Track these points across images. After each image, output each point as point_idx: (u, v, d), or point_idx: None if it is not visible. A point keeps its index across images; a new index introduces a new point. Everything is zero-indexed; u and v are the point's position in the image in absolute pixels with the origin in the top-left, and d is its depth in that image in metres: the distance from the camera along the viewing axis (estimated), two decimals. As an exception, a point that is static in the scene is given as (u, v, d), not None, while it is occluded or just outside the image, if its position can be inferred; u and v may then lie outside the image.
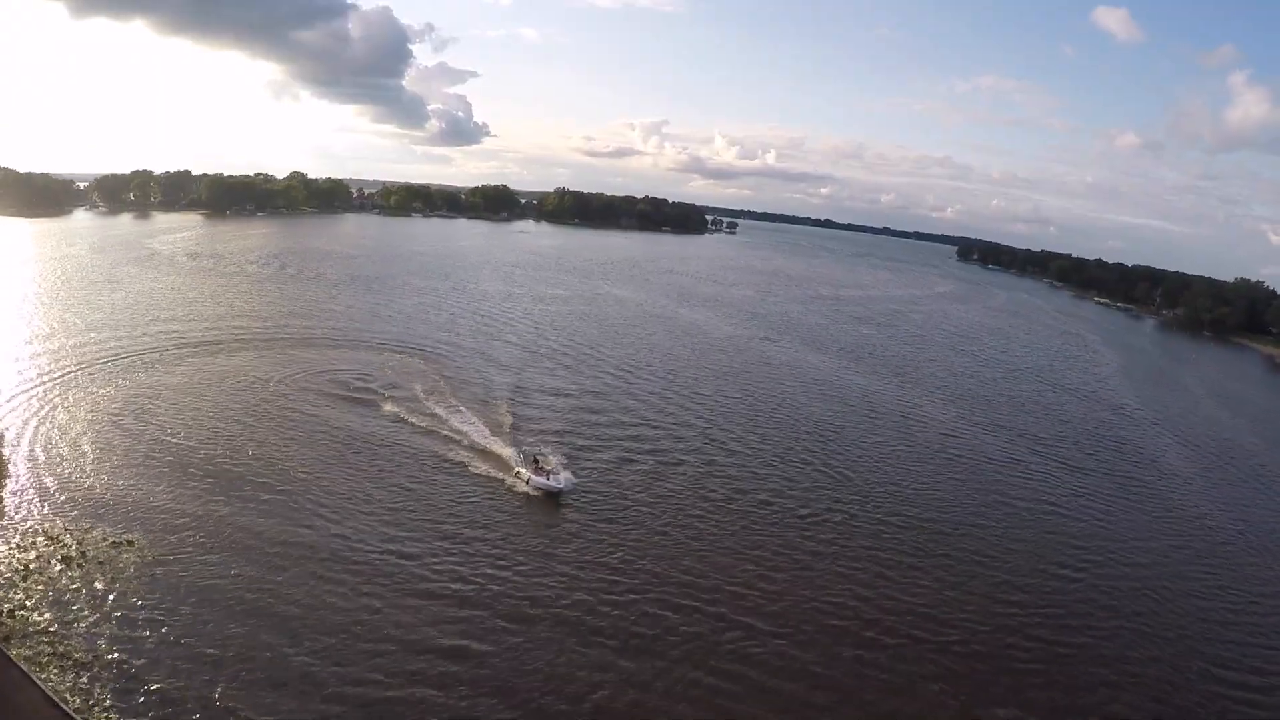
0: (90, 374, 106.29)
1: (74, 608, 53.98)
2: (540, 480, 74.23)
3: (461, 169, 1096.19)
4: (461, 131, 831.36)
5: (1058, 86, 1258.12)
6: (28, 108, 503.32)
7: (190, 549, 63.62)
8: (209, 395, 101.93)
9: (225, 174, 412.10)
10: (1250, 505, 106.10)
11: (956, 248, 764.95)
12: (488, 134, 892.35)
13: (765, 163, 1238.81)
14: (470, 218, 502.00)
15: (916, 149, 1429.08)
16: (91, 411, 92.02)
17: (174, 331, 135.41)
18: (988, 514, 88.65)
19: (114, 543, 63.92)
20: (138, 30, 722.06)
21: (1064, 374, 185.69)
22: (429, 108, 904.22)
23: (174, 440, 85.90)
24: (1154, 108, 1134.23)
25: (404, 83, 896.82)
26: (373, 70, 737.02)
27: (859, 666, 54.77)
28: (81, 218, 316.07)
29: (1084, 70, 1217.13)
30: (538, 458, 78.57)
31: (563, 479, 75.37)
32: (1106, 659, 59.82)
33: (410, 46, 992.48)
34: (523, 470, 76.18)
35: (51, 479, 73.62)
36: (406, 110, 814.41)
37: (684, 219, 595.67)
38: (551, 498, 73.29)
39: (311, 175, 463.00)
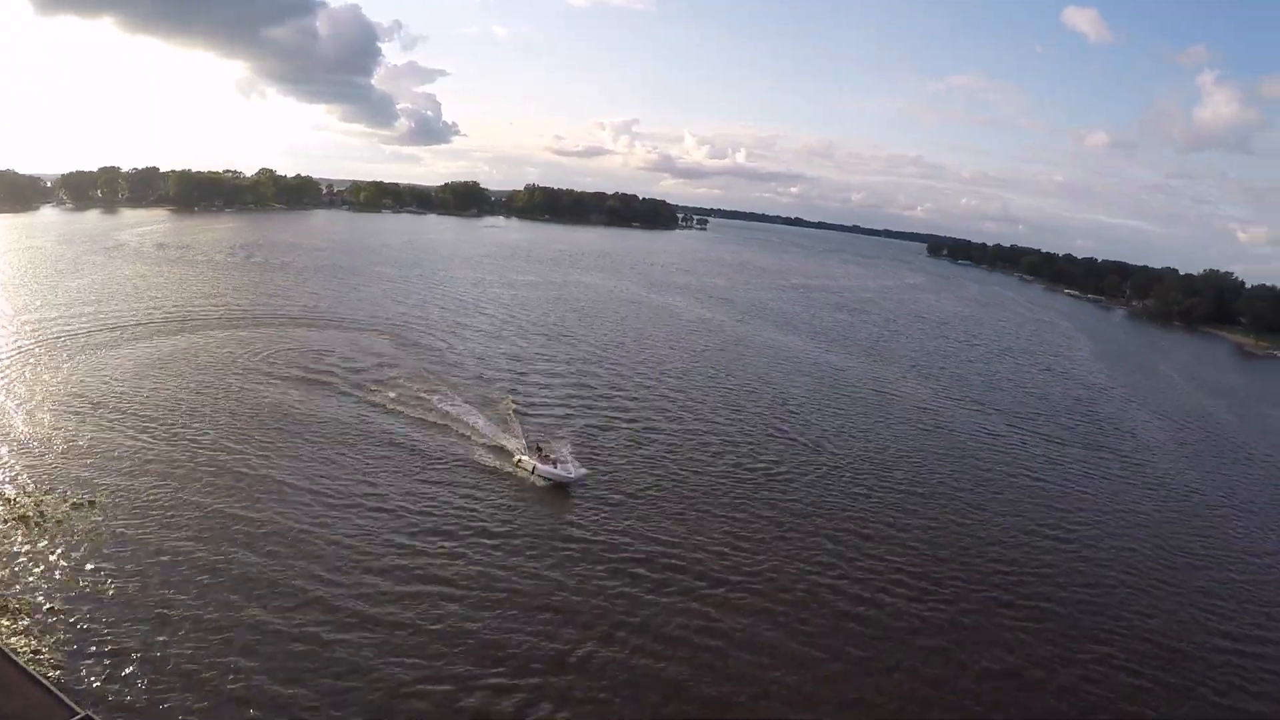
0: (51, 351, 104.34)
1: (26, 564, 52.96)
2: (549, 470, 71.34)
3: (431, 168, 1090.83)
4: (431, 131, 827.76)
5: (1030, 86, 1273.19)
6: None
7: (152, 512, 62.26)
8: (172, 370, 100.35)
9: (193, 169, 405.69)
10: (1231, 472, 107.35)
11: (926, 245, 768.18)
12: (457, 133, 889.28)
13: (735, 162, 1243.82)
14: (440, 214, 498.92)
15: (889, 148, 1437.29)
16: (52, 385, 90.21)
17: (138, 311, 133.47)
18: (978, 483, 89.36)
19: (74, 504, 62.72)
20: (105, 28, 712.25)
21: (1039, 356, 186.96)
22: (398, 106, 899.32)
23: (137, 411, 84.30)
24: (1126, 108, 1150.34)
25: (373, 81, 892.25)
26: (341, 68, 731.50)
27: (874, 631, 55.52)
28: (48, 214, 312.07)
29: (1056, 70, 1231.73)
30: (540, 445, 75.97)
31: (573, 469, 72.16)
32: (1097, 611, 60.59)
33: (379, 45, 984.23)
34: (526, 458, 73.68)
35: (9, 448, 71.99)
36: (375, 109, 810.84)
37: (654, 215, 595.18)
38: (560, 488, 70.64)
39: (280, 173, 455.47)
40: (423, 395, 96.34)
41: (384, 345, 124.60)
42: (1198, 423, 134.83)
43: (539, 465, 72.01)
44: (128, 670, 42.94)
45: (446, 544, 59.93)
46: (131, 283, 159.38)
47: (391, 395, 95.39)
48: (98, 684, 41.39)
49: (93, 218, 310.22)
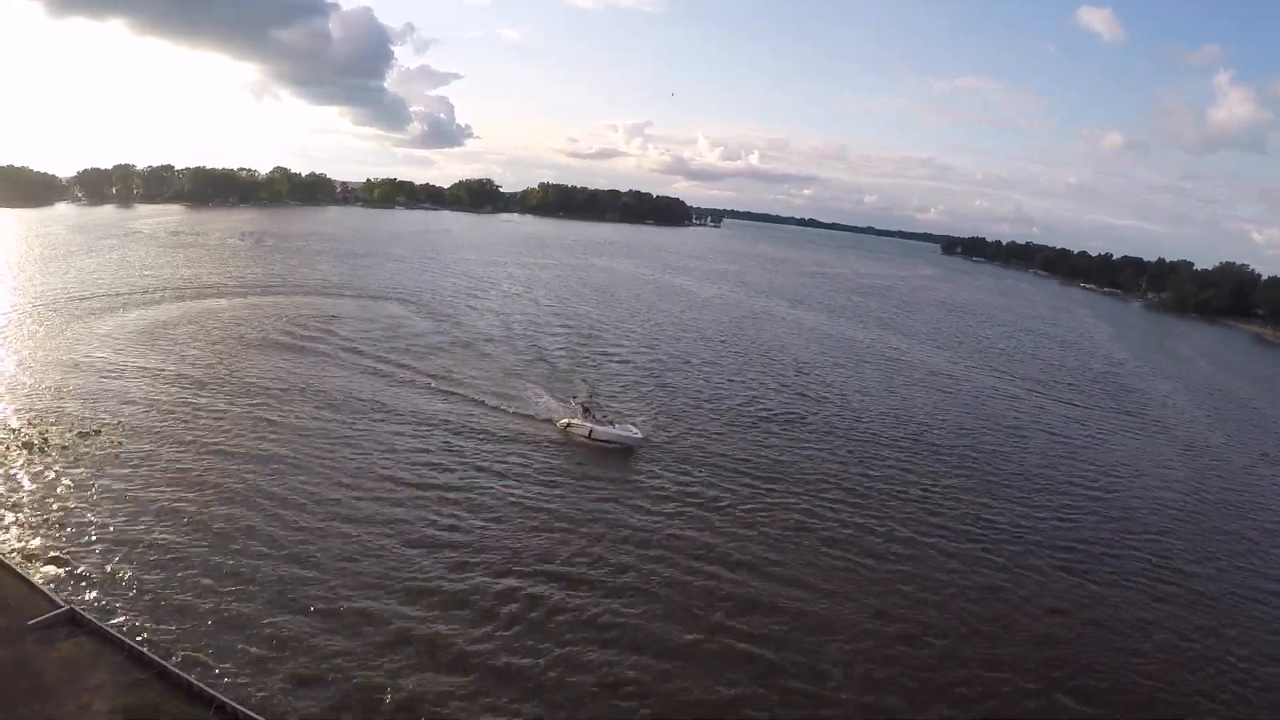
0: (62, 314, 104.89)
1: (25, 480, 52.69)
2: (611, 431, 67.66)
3: (444, 171, 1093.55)
4: (444, 133, 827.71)
5: (1040, 87, 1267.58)
6: (7, 105, 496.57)
7: (158, 441, 62.10)
8: (183, 329, 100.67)
9: (208, 166, 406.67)
10: (1260, 437, 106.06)
11: (940, 245, 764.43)
12: (470, 136, 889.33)
13: (749, 164, 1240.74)
14: (454, 210, 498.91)
15: (899, 150, 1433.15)
16: (62, 341, 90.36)
17: (151, 282, 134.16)
18: (1011, 439, 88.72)
19: (80, 433, 62.64)
20: (116, 30, 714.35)
21: (1058, 334, 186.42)
22: (411, 110, 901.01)
23: (148, 362, 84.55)
24: (1138, 108, 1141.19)
25: (385, 84, 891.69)
26: (354, 71, 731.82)
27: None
28: (63, 208, 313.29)
29: (1067, 70, 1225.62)
30: (586, 406, 72.87)
31: (635, 430, 69.12)
32: (1135, 561, 58.54)
33: (392, 48, 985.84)
34: (577, 421, 69.47)
35: (17, 393, 71.77)
36: (388, 112, 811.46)
37: (667, 212, 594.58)
38: (622, 451, 67.02)
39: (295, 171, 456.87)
40: (446, 359, 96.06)
41: (399, 310, 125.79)
42: (1221, 395, 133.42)
43: (596, 428, 67.64)
44: (114, 570, 42.78)
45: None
46: (145, 260, 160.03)
47: (410, 359, 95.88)
48: (84, 583, 41.51)
49: (107, 211, 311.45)
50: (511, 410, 76.58)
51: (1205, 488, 76.35)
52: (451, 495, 55.95)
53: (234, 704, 32.17)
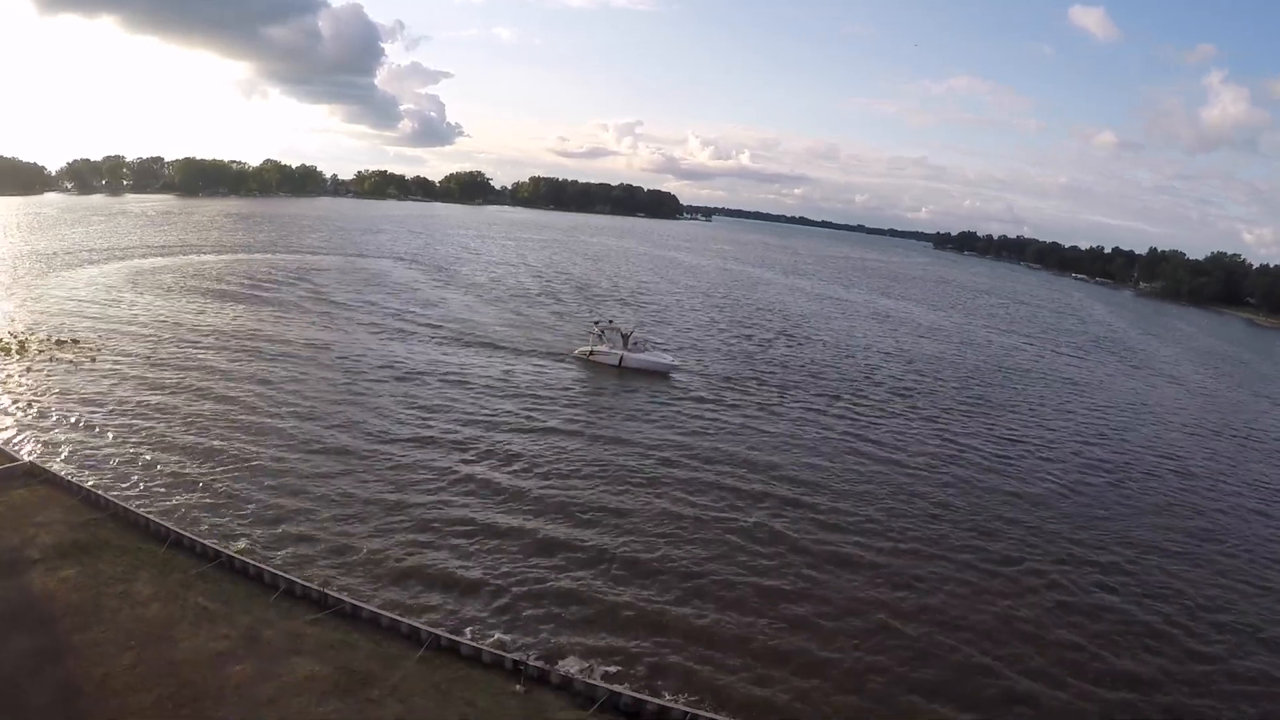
0: (55, 262, 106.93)
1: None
2: (644, 358, 67.06)
3: (435, 170, 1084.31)
4: (434, 132, 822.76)
5: (1033, 87, 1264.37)
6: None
7: (135, 352, 61.52)
8: (169, 276, 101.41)
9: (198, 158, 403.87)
10: (1260, 386, 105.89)
11: (931, 241, 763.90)
12: (461, 135, 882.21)
13: (739, 163, 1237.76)
14: (445, 203, 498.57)
15: (891, 150, 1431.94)
16: (51, 280, 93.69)
17: (139, 243, 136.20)
18: (1015, 378, 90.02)
19: (57, 341, 62.70)
20: (107, 27, 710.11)
21: (1053, 306, 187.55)
22: (401, 108, 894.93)
23: (134, 298, 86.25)
24: (1130, 108, 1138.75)
25: (376, 82, 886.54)
26: (344, 68, 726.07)
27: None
28: (52, 197, 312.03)
29: (1060, 71, 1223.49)
30: (603, 329, 70.73)
31: (669, 356, 69.44)
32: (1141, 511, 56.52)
33: (382, 45, 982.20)
34: (603, 349, 68.06)
35: (3, 313, 72.05)
36: (379, 110, 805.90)
37: (658, 205, 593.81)
38: (656, 376, 66.03)
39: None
40: (446, 302, 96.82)
41: (390, 265, 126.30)
42: (1224, 358, 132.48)
43: (627, 354, 66.59)
44: (79, 440, 42.24)
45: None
46: (133, 231, 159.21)
47: (406, 303, 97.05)
48: (47, 446, 41.01)
49: (96, 199, 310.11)
50: (521, 340, 76.23)
51: (1209, 428, 75.35)
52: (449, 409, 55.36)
53: (190, 535, 30.82)
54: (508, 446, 46.16)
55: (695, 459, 46.83)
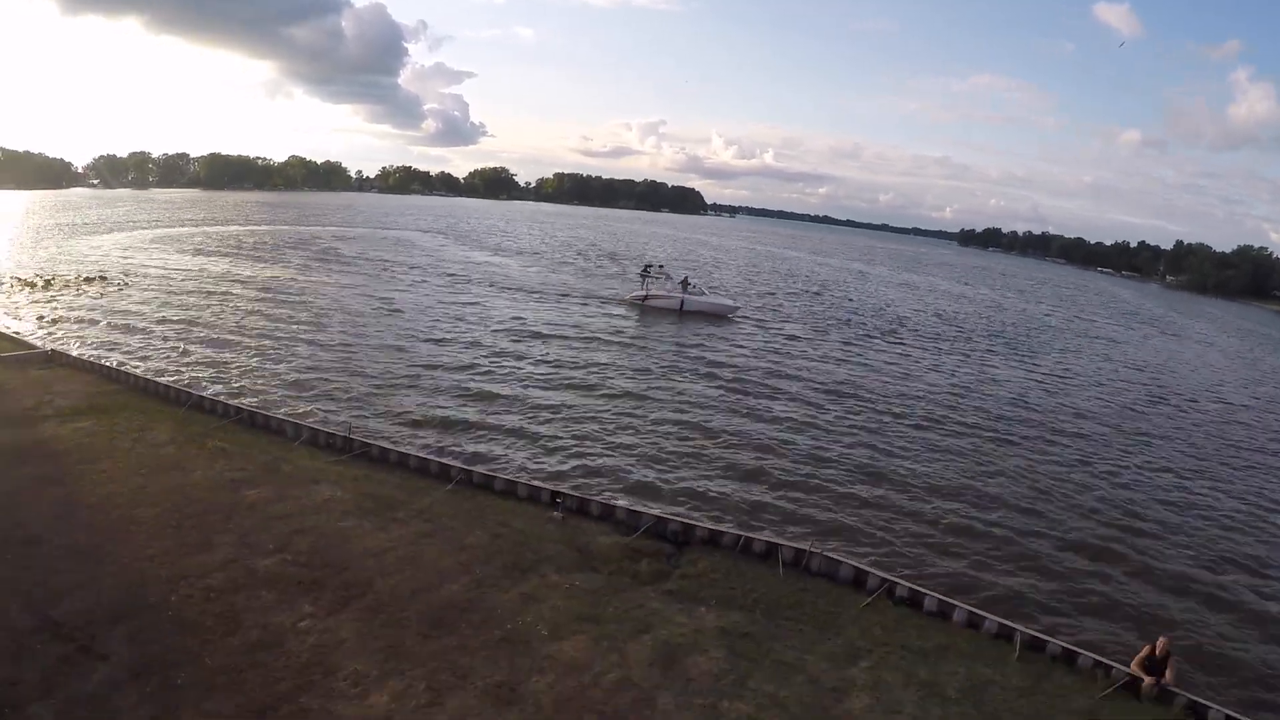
0: (81, 230, 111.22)
1: (25, 306, 51.11)
2: (705, 300, 66.32)
3: (458, 169, 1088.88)
4: (458, 132, 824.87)
5: (1057, 84, 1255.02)
6: (24, 100, 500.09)
7: (166, 289, 61.01)
8: (194, 240, 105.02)
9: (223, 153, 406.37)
10: None
11: (957, 239, 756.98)
12: (484, 134, 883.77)
13: (763, 162, 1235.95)
14: (469, 198, 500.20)
15: (914, 148, 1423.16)
16: (78, 242, 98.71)
17: (166, 217, 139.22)
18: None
19: (85, 278, 62.47)
20: (131, 28, 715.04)
21: (1081, 290, 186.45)
22: (425, 107, 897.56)
23: (161, 253, 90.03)
24: (1155, 105, 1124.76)
25: (399, 81, 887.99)
26: (367, 68, 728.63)
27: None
28: (79, 191, 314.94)
29: (1084, 68, 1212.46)
30: (654, 273, 69.54)
31: (729, 299, 69.71)
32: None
33: (405, 45, 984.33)
34: (657, 293, 66.48)
35: (34, 261, 72.86)
36: (402, 109, 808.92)
37: (682, 200, 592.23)
38: (718, 317, 65.15)
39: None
40: (484, 265, 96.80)
41: (418, 235, 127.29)
42: (1253, 336, 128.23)
43: (688, 297, 65.37)
44: (98, 337, 43.15)
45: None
46: (160, 212, 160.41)
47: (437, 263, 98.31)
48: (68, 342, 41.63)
49: (123, 193, 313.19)
50: (565, 287, 75.74)
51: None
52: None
53: (211, 398, 30.11)
54: (550, 353, 46.37)
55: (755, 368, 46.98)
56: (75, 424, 26.11)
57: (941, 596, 19.22)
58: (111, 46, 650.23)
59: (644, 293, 66.36)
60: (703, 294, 67.09)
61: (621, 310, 65.00)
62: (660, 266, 73.04)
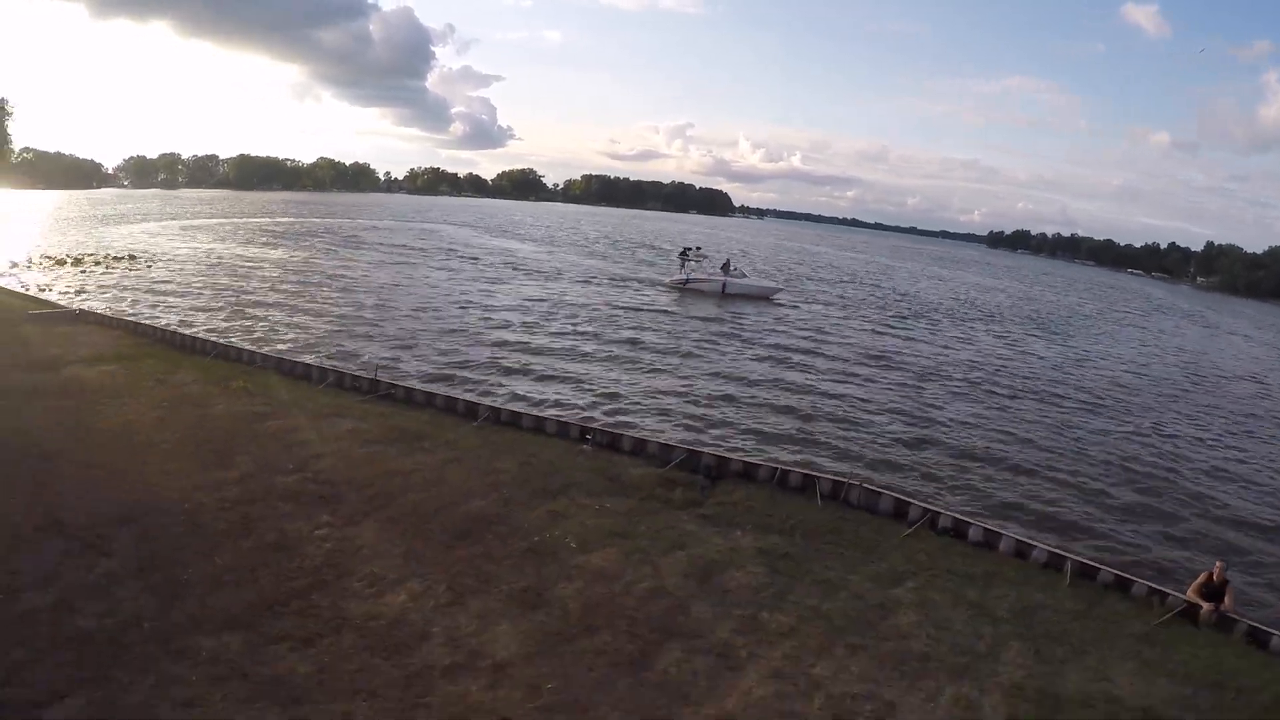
0: (110, 220, 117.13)
1: (55, 279, 51.31)
2: (747, 283, 65.25)
3: (486, 172, 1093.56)
4: (485, 135, 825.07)
5: (1084, 86, 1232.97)
6: (55, 102, 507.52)
7: (194, 267, 61.16)
8: (222, 229, 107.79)
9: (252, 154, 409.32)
10: None
11: (986, 241, 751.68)
12: (511, 137, 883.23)
13: (791, 165, 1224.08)
14: (497, 199, 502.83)
15: (941, 151, 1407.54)
16: (107, 230, 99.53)
17: (195, 211, 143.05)
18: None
19: (114, 256, 62.84)
20: (159, 31, 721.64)
21: (1112, 288, 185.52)
22: (452, 111, 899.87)
23: (188, 240, 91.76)
24: (1184, 107, 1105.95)
25: (427, 85, 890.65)
26: (395, 71, 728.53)
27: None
28: (110, 190, 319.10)
29: (1111, 69, 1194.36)
30: (694, 256, 68.73)
31: (773, 282, 69.73)
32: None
33: (432, 48, 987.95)
34: (700, 275, 65.03)
35: (64, 242, 74.01)
36: (430, 113, 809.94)
37: (710, 202, 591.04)
38: (761, 299, 64.04)
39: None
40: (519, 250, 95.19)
41: (451, 228, 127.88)
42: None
43: (730, 280, 64.03)
44: (125, 303, 44.75)
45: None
46: (188, 206, 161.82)
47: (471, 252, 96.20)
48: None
49: (153, 192, 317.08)
50: (605, 273, 74.57)
51: None
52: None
53: (237, 346, 29.93)
54: (583, 323, 45.95)
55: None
56: (99, 368, 25.84)
57: (987, 525, 18.31)
58: (141, 49, 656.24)
59: (684, 276, 64.78)
60: (744, 276, 65.95)
61: (661, 293, 63.66)
62: (698, 249, 71.91)
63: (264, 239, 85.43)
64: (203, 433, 19.78)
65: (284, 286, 49.91)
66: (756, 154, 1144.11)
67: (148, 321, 33.48)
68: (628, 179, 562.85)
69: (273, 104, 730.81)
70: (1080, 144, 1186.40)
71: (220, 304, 43.03)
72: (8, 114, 61.79)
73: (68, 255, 61.48)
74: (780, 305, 62.63)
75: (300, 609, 12.21)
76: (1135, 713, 11.75)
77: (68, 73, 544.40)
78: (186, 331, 31.24)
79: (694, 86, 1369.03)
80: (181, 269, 57.53)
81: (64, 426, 19.50)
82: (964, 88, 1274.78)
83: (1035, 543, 17.76)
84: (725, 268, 66.16)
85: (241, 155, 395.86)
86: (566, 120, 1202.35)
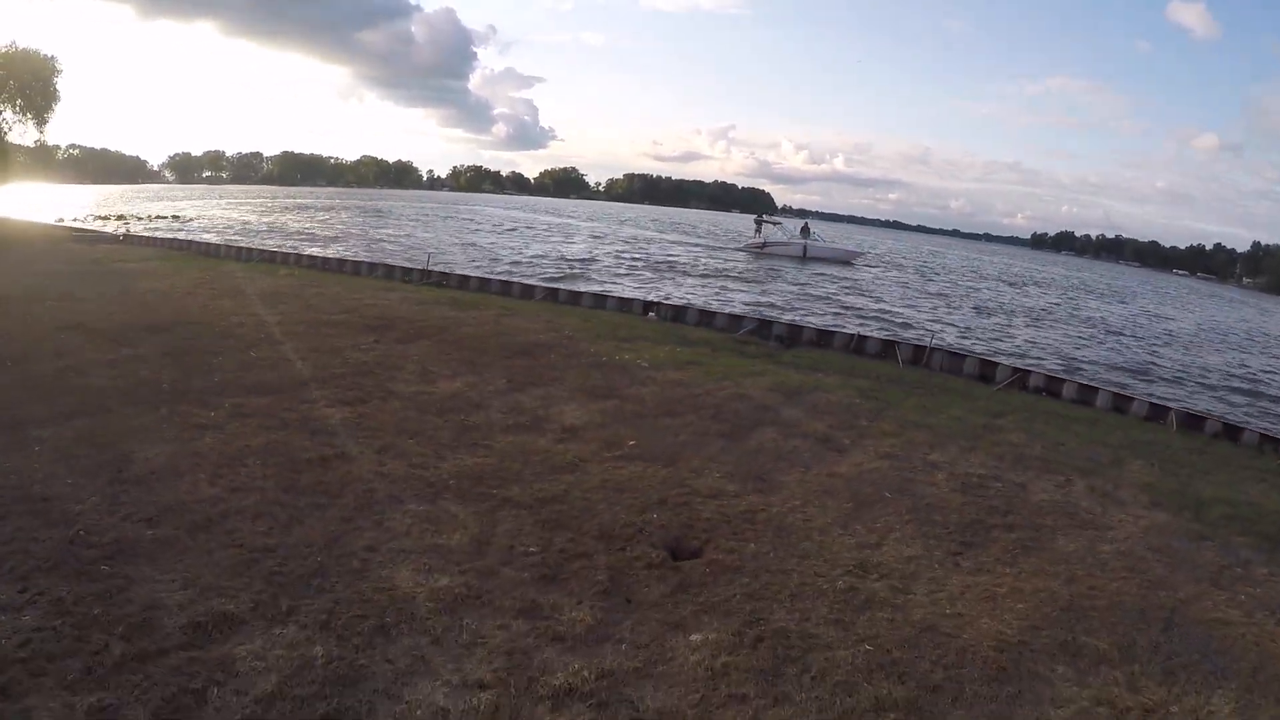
0: (147, 209, 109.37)
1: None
2: (829, 247, 63.99)
3: (528, 173, 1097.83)
4: (528, 136, 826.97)
5: (1129, 86, 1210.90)
6: (102, 100, 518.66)
7: (240, 226, 62.37)
8: (259, 224, 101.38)
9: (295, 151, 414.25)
10: None
11: (1028, 245, 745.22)
12: (553, 138, 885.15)
13: (834, 167, 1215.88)
14: (540, 196, 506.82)
15: (986, 154, 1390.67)
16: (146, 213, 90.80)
17: (244, 195, 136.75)
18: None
19: (158, 215, 65.30)
20: (205, 32, 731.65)
21: (1156, 281, 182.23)
22: (495, 112, 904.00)
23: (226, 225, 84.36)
24: (1232, 109, 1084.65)
25: (469, 86, 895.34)
26: (438, 72, 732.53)
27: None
28: (153, 186, 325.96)
29: (1158, 69, 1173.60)
30: (771, 221, 68.34)
31: (853, 246, 68.99)
32: None
33: (474, 49, 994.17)
34: (778, 240, 63.84)
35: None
36: (473, 114, 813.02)
37: (753, 202, 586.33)
38: (843, 262, 62.61)
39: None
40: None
41: (500, 210, 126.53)
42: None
43: (810, 244, 62.72)
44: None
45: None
46: (234, 195, 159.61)
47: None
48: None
49: (197, 188, 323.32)
50: (673, 239, 73.51)
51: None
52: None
53: (283, 251, 29.61)
54: (649, 272, 44.17)
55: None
56: (143, 263, 25.44)
57: (1082, 382, 16.88)
58: (186, 49, 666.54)
59: (762, 239, 63.30)
60: (822, 239, 64.41)
61: (737, 255, 61.50)
62: (770, 215, 70.50)
63: (308, 212, 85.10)
64: (245, 293, 19.11)
65: (327, 236, 49.54)
66: (799, 156, 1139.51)
67: (192, 238, 32.67)
68: (670, 178, 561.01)
69: (317, 103, 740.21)
70: (1125, 146, 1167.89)
71: (268, 244, 42.69)
72: (58, 71, 61.58)
73: (113, 214, 62.18)
74: (861, 270, 60.51)
75: (342, 385, 11.15)
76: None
77: (114, 72, 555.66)
78: (231, 245, 30.41)
79: (736, 88, 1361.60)
80: (226, 226, 57.42)
81: (104, 284, 19.16)
82: (1006, 89, 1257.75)
83: (1135, 395, 16.47)
84: (804, 231, 64.75)
85: (285, 152, 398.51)
86: (609, 122, 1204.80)
